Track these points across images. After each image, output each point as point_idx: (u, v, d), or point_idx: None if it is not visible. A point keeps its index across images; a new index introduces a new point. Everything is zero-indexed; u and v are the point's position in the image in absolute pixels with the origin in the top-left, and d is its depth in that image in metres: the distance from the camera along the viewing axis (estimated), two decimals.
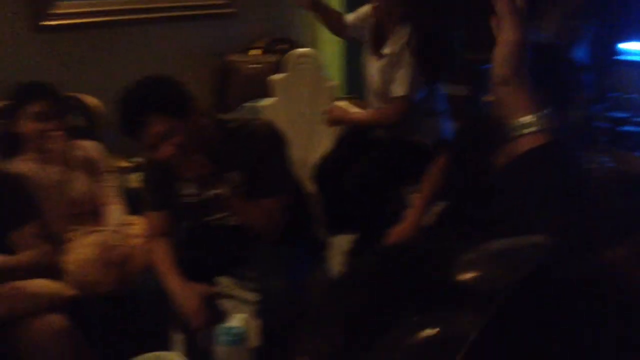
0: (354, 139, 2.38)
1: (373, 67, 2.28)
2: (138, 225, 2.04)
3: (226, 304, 1.84)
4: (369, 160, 2.30)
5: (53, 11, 2.64)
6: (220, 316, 1.72)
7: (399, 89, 2.20)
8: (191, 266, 1.79)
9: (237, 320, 1.42)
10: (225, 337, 1.39)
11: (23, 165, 1.96)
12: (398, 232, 1.81)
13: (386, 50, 2.23)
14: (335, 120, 2.35)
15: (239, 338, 1.40)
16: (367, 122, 2.32)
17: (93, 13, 2.77)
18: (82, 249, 1.87)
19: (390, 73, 2.21)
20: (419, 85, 2.21)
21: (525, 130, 0.81)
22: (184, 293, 1.70)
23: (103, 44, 2.83)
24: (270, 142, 1.76)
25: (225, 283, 2.03)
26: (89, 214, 2.07)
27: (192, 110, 1.65)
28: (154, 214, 1.86)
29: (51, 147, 1.98)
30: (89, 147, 2.15)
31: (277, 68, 3.04)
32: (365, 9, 2.32)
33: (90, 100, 2.52)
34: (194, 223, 1.88)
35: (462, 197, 1.70)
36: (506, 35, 0.84)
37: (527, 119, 0.82)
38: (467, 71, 2.87)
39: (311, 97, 2.38)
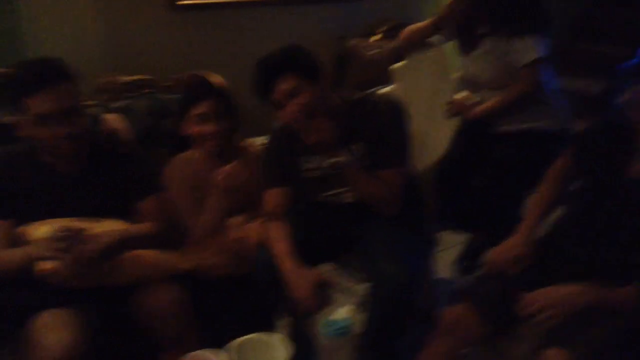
0: (475, 133, 2.28)
1: (478, 57, 2.18)
2: None
3: (334, 292, 1.86)
4: (498, 157, 2.21)
5: None
6: (328, 304, 1.74)
7: (527, 55, 2.06)
8: (305, 248, 1.80)
9: (344, 312, 1.43)
10: (331, 329, 1.40)
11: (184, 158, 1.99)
12: (506, 250, 1.64)
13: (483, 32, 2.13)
14: (457, 112, 2.28)
15: (345, 331, 1.40)
16: (501, 107, 2.16)
17: None
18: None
19: (505, 49, 2.10)
20: (545, 49, 2.07)
21: None
22: (297, 278, 1.72)
23: (231, 25, 2.93)
24: (392, 113, 1.79)
25: (331, 270, 2.06)
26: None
27: (319, 75, 1.73)
28: (274, 190, 1.87)
29: (214, 145, 1.97)
30: (247, 146, 2.11)
31: (398, 55, 3.00)
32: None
33: (218, 78, 2.63)
34: (311, 200, 1.89)
35: (584, 210, 1.57)
36: None
37: None
38: (601, 65, 2.67)
39: (432, 87, 2.31)
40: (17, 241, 1.68)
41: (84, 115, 1.72)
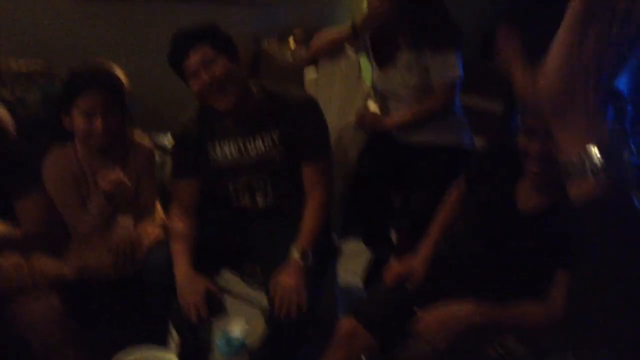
0: (383, 144, 2.30)
1: (394, 69, 2.20)
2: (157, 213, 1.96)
3: (230, 301, 1.81)
4: (405, 169, 2.25)
5: None
6: (221, 314, 1.68)
7: (448, 72, 2.12)
8: (206, 252, 1.76)
9: (237, 327, 1.38)
10: (224, 347, 1.35)
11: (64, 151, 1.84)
12: (403, 265, 1.69)
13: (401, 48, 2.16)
14: (367, 123, 2.30)
15: (238, 349, 1.36)
16: (412, 120, 2.20)
17: None
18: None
19: (422, 63, 2.13)
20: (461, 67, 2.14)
21: (581, 172, 0.63)
22: (189, 283, 1.67)
23: (141, 18, 2.81)
24: (311, 107, 1.81)
25: (229, 278, 2.01)
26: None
27: (234, 51, 1.74)
28: (183, 181, 1.84)
29: (99, 142, 1.77)
30: (142, 142, 1.95)
31: (310, 60, 3.00)
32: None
33: (119, 73, 2.50)
34: (219, 191, 1.87)
35: (477, 229, 1.61)
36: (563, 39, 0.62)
37: (583, 156, 0.63)
38: (500, 85, 2.79)
39: (344, 95, 2.32)
40: None
41: None
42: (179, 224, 1.80)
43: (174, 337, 1.44)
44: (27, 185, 1.69)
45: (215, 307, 1.68)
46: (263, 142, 1.78)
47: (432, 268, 1.66)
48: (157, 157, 2.28)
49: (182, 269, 1.70)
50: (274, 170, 1.81)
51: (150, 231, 1.85)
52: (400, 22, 2.15)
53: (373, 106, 2.30)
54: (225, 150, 1.80)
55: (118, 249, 1.76)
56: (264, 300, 1.75)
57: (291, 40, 3.19)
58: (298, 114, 1.77)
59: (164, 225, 1.88)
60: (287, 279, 1.65)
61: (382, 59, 2.23)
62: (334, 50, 2.29)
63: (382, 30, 2.20)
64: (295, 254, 1.69)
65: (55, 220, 1.75)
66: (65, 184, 1.80)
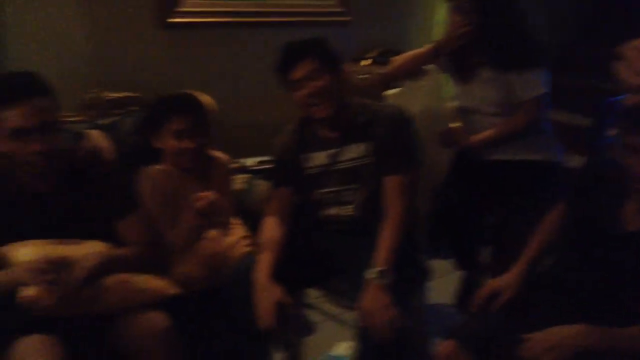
0: (469, 162, 2.28)
1: (476, 86, 2.19)
2: (238, 227, 2.06)
3: (315, 317, 1.82)
4: (492, 186, 2.22)
5: (179, 9, 2.73)
6: (305, 329, 1.70)
7: (532, 90, 2.10)
8: (290, 268, 1.79)
9: (344, 347, 1.38)
10: None
11: (155, 171, 1.94)
12: (496, 285, 1.65)
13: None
14: (452, 142, 2.28)
15: None
16: (497, 138, 2.18)
17: (214, 13, 2.84)
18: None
19: (505, 80, 2.11)
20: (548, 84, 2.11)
21: None
22: (263, 291, 1.71)
23: (221, 44, 2.91)
24: (400, 119, 1.87)
25: (316, 295, 2.02)
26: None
27: (339, 68, 1.86)
28: (277, 190, 1.94)
29: (188, 160, 1.94)
30: (221, 157, 2.10)
31: (389, 81, 3.01)
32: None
33: (205, 98, 2.60)
34: (308, 198, 1.94)
35: (576, 256, 1.55)
36: None
37: None
38: (589, 99, 2.71)
39: (426, 115, 2.31)
40: None
41: (61, 131, 1.64)
42: (269, 233, 1.87)
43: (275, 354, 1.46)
44: (128, 207, 1.77)
45: (284, 319, 1.69)
46: (354, 152, 1.86)
47: (533, 289, 1.60)
48: (243, 182, 2.37)
49: (260, 276, 1.75)
50: (362, 181, 1.86)
51: (237, 244, 1.95)
52: (482, 41, 2.14)
53: (457, 124, 2.27)
54: (317, 160, 1.90)
55: (207, 261, 1.86)
56: (352, 318, 1.75)
57: (367, 62, 3.22)
58: (389, 127, 1.83)
59: (248, 239, 1.98)
60: (372, 302, 1.64)
61: (464, 75, 2.23)
62: (416, 69, 2.29)
63: (463, 48, 2.20)
64: (372, 275, 1.69)
65: (154, 239, 1.83)
66: (158, 202, 1.90)
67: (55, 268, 1.48)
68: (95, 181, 1.73)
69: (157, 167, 1.95)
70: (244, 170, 2.66)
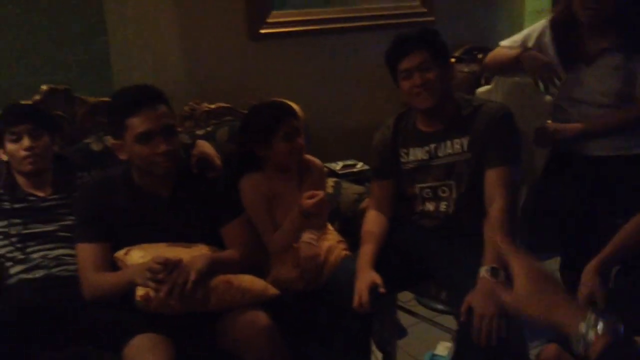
0: (568, 157, 2.18)
1: (592, 75, 2.06)
2: (332, 231, 2.10)
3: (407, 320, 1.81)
4: (593, 182, 2.12)
5: (268, 20, 2.82)
6: (399, 331, 1.69)
7: None
8: (386, 269, 1.78)
9: (442, 348, 1.37)
10: None
11: (258, 176, 2.03)
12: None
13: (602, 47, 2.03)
14: (548, 141, 2.19)
15: None
16: (605, 129, 2.07)
17: (301, 22, 2.91)
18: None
19: (627, 70, 2.00)
20: None
21: None
22: (360, 274, 1.74)
23: (308, 51, 2.97)
24: (503, 115, 1.83)
25: (411, 297, 2.01)
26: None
27: (447, 57, 1.88)
28: (377, 183, 1.99)
29: (295, 162, 2.03)
30: (317, 165, 2.15)
31: (474, 78, 2.95)
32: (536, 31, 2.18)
33: (294, 106, 2.66)
34: (406, 191, 1.94)
35: None
36: None
37: None
38: None
39: (521, 112, 2.24)
40: (112, 265, 1.73)
41: (179, 135, 1.78)
42: (370, 225, 1.92)
43: (377, 355, 1.47)
44: (233, 211, 1.86)
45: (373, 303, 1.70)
46: (453, 147, 1.85)
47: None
48: (331, 186, 2.41)
49: (360, 263, 1.79)
50: (460, 177, 1.84)
51: (335, 248, 1.98)
52: (613, 25, 2.02)
53: (552, 122, 2.18)
54: (415, 155, 1.91)
55: (305, 264, 1.90)
56: (447, 321, 1.73)
57: (452, 60, 3.17)
58: (491, 121, 1.81)
59: (344, 243, 2.03)
60: (483, 305, 1.58)
61: (576, 64, 2.11)
62: (512, 64, 2.21)
63: (579, 34, 2.08)
64: (484, 273, 1.64)
65: (256, 242, 1.90)
66: (260, 206, 1.99)
67: (167, 269, 1.57)
68: (205, 187, 1.84)
69: (259, 173, 2.04)
70: (332, 174, 2.70)
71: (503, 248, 0.94)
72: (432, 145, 1.88)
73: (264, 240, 1.98)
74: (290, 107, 2.07)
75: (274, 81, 2.84)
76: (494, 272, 1.63)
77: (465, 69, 3.05)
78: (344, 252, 1.99)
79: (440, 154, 1.87)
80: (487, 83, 2.58)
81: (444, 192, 1.88)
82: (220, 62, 2.76)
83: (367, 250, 1.84)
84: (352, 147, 2.90)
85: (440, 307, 1.98)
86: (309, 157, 2.13)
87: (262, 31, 2.81)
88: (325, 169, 2.63)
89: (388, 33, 3.13)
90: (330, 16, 2.98)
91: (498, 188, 1.76)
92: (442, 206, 1.89)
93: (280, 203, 2.02)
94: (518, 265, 0.85)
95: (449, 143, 1.86)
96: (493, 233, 1.69)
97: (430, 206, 1.91)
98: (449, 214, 1.87)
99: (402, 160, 1.93)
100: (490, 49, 3.11)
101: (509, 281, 1.57)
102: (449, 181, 1.86)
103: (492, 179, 1.77)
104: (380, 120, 2.03)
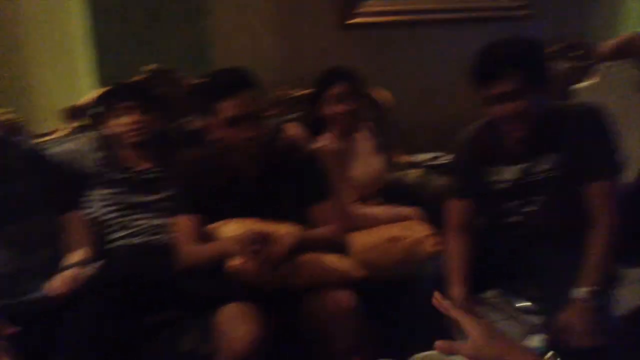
0: None
1: None
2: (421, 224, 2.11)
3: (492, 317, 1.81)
4: None
5: (359, 10, 2.83)
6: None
7: None
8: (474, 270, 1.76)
9: (536, 340, 1.35)
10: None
11: (326, 143, 2.15)
12: None
13: None
14: None
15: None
16: None
17: (392, 12, 2.89)
18: (370, 235, 1.98)
19: None
20: None
21: None
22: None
23: (399, 42, 2.97)
24: (594, 118, 1.66)
25: (497, 296, 1.98)
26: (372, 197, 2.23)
27: (545, 78, 1.62)
28: (459, 202, 1.85)
29: (350, 126, 2.21)
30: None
31: (571, 75, 2.83)
32: None
33: (384, 94, 2.67)
34: (495, 213, 1.84)
35: None
36: None
37: None
38: None
39: (624, 109, 2.14)
40: (205, 237, 1.81)
41: (266, 121, 1.83)
42: (453, 243, 1.82)
43: None
44: (323, 193, 1.89)
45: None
46: (547, 164, 1.70)
47: None
48: (417, 176, 2.41)
49: (455, 288, 1.72)
50: (553, 191, 1.73)
51: (424, 241, 1.99)
52: None
53: None
54: (508, 174, 1.77)
55: (389, 250, 1.94)
56: (536, 322, 1.69)
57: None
58: (585, 130, 1.66)
59: (433, 237, 2.03)
60: (576, 324, 1.53)
61: None
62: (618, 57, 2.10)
63: None
64: (582, 294, 1.56)
65: (342, 223, 1.91)
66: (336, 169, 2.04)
67: (260, 242, 1.62)
68: (294, 169, 1.88)
69: (325, 138, 2.18)
70: (418, 165, 2.69)
71: (452, 312, 0.99)
72: (526, 164, 1.72)
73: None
74: (345, 70, 2.25)
75: (363, 71, 2.85)
76: (592, 295, 1.55)
77: (565, 65, 2.93)
78: (433, 248, 1.98)
79: (535, 171, 1.72)
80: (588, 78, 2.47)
81: (536, 205, 1.76)
82: (312, 50, 2.80)
83: (455, 269, 1.76)
84: (440, 140, 2.87)
85: (525, 304, 1.93)
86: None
87: (353, 21, 2.82)
88: (411, 159, 2.65)
89: (485, 27, 3.11)
90: (424, 7, 2.94)
91: (604, 206, 1.63)
92: (532, 220, 1.78)
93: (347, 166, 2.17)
94: (467, 320, 0.94)
95: (544, 158, 1.70)
96: (595, 252, 1.61)
97: (518, 219, 1.82)
98: (540, 225, 1.77)
99: (491, 179, 1.80)
100: (588, 46, 3.01)
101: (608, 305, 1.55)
102: (542, 196, 1.74)
103: (596, 193, 1.64)
104: (469, 116, 1.92)
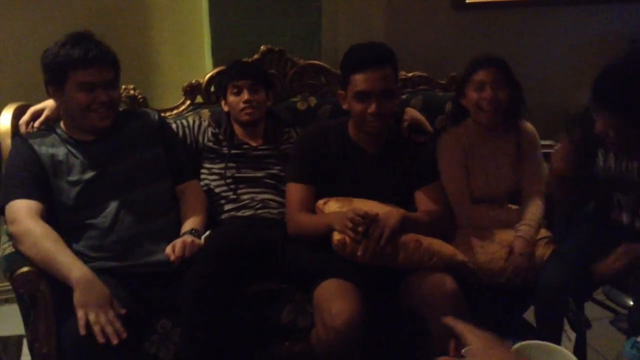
0: None
1: None
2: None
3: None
4: None
5: None
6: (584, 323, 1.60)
7: None
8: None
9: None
10: (630, 352, 1.28)
11: (461, 131, 2.08)
12: None
13: None
14: None
15: None
16: None
17: None
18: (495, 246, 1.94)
19: None
20: None
21: None
22: None
23: (513, 24, 2.86)
24: None
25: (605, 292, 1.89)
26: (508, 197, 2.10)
27: None
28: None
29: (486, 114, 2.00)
30: (528, 129, 2.12)
31: None
32: None
33: None
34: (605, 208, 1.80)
35: None
36: None
37: None
38: None
39: None
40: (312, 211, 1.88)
41: (396, 99, 1.84)
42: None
43: (570, 335, 1.43)
44: (431, 176, 1.92)
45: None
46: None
47: None
48: None
49: None
50: None
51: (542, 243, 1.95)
52: None
53: None
54: (609, 162, 1.75)
55: (520, 260, 1.86)
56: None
57: None
58: None
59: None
60: None
61: None
62: None
63: None
64: None
65: (447, 210, 1.92)
66: (453, 157, 2.01)
67: (366, 222, 1.66)
68: (412, 150, 1.92)
69: (461, 126, 2.08)
70: None
71: (449, 322, 0.98)
72: (622, 155, 1.70)
73: (452, 202, 1.98)
74: (490, 57, 2.03)
75: (474, 53, 2.78)
76: None
77: None
78: (549, 249, 1.92)
79: (628, 169, 1.69)
80: None
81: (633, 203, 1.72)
82: (421, 31, 2.78)
83: None
84: (549, 128, 2.75)
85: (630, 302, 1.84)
86: (523, 122, 2.10)
87: (470, 1, 2.76)
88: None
89: (602, 9, 2.91)
90: None
91: None
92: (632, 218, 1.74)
93: (476, 157, 2.03)
94: (468, 332, 0.92)
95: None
96: None
97: (626, 219, 1.78)
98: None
99: (599, 165, 1.77)
100: None
101: None
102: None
103: None
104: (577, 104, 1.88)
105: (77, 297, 1.50)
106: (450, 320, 0.94)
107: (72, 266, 1.54)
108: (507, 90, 1.98)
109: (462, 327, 0.90)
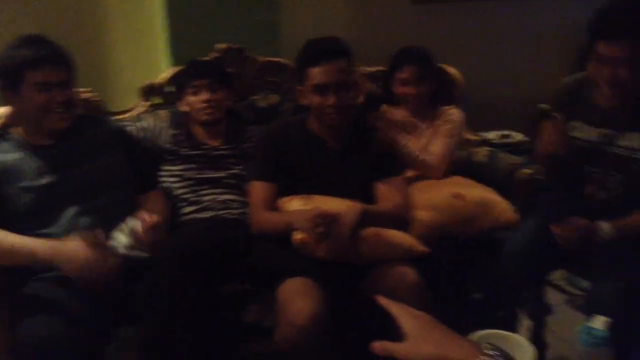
0: None
1: None
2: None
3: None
4: None
5: None
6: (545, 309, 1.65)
7: None
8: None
9: (599, 322, 1.31)
10: (585, 338, 1.30)
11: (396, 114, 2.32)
12: None
13: None
14: None
15: (599, 341, 1.29)
16: None
17: None
18: (431, 192, 2.07)
19: None
20: None
21: None
22: None
23: (469, 17, 2.88)
24: None
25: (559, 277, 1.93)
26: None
27: None
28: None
29: (419, 107, 2.31)
30: (454, 114, 2.35)
31: None
32: None
33: (453, 71, 2.61)
34: (573, 179, 1.82)
35: None
36: None
37: None
38: None
39: None
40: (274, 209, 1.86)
41: (353, 92, 1.84)
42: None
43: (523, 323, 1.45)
44: (391, 170, 1.93)
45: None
46: (633, 142, 1.67)
47: None
48: (485, 155, 2.36)
49: None
50: (632, 172, 1.68)
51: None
52: None
53: None
54: (586, 134, 1.76)
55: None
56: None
57: None
58: None
59: None
60: None
61: None
62: None
63: None
64: None
65: (407, 203, 1.91)
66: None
67: (326, 223, 1.64)
68: (374, 144, 1.92)
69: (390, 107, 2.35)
70: (486, 143, 2.62)
71: (384, 304, 0.90)
72: (609, 131, 1.70)
73: None
74: (415, 54, 2.34)
75: (434, 46, 2.79)
76: None
77: None
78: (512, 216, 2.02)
79: (617, 143, 1.69)
80: None
81: (612, 182, 1.73)
82: (381, 25, 2.78)
83: None
84: (511, 118, 2.79)
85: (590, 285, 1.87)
86: (448, 108, 2.37)
87: None
88: (478, 137, 2.58)
89: (557, 2, 2.95)
90: None
91: None
92: (608, 197, 1.74)
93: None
94: (402, 315, 0.84)
95: (633, 135, 1.66)
96: None
97: (590, 190, 1.79)
98: (616, 206, 1.72)
99: (571, 132, 1.79)
100: None
101: None
102: (620, 175, 1.70)
103: None
104: (545, 94, 1.88)
105: (65, 270, 1.54)
106: (384, 301, 0.88)
107: (30, 246, 1.58)
108: (429, 85, 2.31)
109: (396, 309, 0.85)
